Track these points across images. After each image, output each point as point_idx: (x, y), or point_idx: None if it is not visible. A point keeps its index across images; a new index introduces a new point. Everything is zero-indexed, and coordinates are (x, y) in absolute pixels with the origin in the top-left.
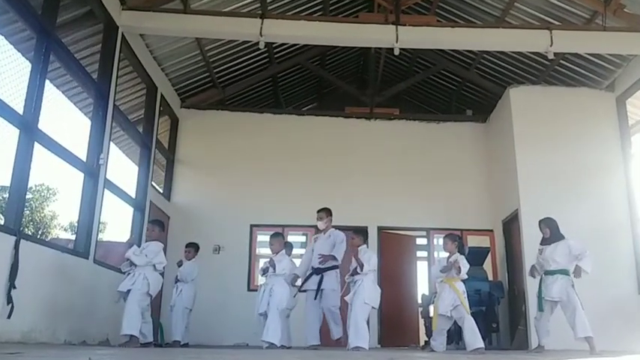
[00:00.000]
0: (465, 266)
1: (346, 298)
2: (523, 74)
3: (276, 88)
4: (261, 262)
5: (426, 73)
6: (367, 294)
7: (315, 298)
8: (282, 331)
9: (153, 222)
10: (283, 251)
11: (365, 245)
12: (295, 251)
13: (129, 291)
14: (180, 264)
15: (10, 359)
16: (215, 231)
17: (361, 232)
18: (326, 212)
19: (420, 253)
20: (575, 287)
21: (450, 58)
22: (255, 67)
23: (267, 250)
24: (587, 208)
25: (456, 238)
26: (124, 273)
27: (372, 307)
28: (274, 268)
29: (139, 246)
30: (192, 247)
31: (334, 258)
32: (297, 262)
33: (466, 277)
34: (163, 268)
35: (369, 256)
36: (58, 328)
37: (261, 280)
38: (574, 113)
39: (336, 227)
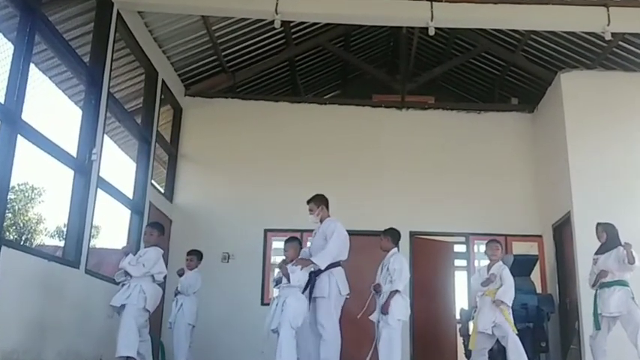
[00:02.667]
0: (507, 277)
1: (372, 317)
2: (576, 57)
3: (294, 74)
4: (276, 272)
5: (464, 57)
6: (397, 308)
7: (307, 309)
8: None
9: (151, 225)
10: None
11: (396, 249)
12: None
13: (124, 305)
14: (181, 273)
15: None
16: (224, 237)
17: (392, 233)
18: (316, 201)
19: (458, 262)
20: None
21: (493, 39)
22: (269, 49)
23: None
24: None
25: (499, 244)
26: (118, 284)
27: (403, 321)
28: (288, 279)
29: (134, 254)
30: (195, 255)
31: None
32: None
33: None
34: (163, 278)
35: (401, 266)
36: (44, 347)
37: (275, 292)
38: (634, 102)
39: (362, 233)
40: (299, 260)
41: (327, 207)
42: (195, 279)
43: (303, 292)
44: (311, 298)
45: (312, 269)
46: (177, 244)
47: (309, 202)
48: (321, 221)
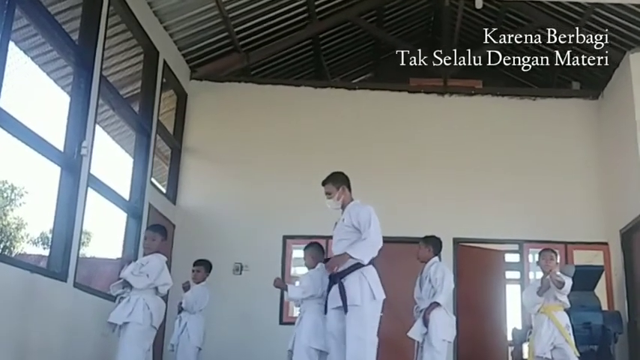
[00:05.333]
0: (567, 279)
1: (410, 334)
2: None
3: (318, 54)
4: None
5: (515, 34)
6: (442, 326)
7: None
8: None
9: (153, 228)
10: (319, 266)
11: (436, 258)
12: None
13: (125, 324)
14: (186, 287)
15: None
16: (236, 245)
17: (433, 242)
18: (334, 181)
19: (510, 274)
20: None
21: (551, 13)
22: (289, 24)
23: (304, 269)
24: None
25: (555, 254)
26: (114, 298)
27: (448, 342)
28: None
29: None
30: (203, 266)
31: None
32: None
33: (569, 305)
34: (168, 291)
35: (443, 275)
36: None
37: (296, 309)
38: None
39: (396, 240)
40: (334, 259)
41: (350, 188)
42: (202, 294)
43: (325, 301)
44: (332, 307)
45: (336, 270)
46: (181, 253)
47: (324, 183)
48: (343, 207)
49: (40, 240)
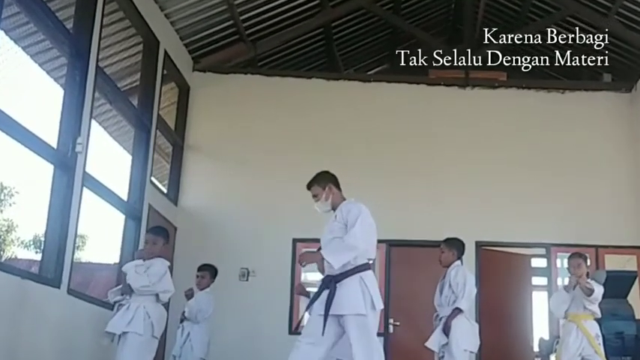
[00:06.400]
0: (597, 287)
1: (428, 344)
2: None
3: (331, 44)
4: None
5: (545, 22)
6: (463, 335)
7: (322, 333)
8: None
9: (155, 231)
10: None
11: (459, 262)
12: None
13: (124, 333)
14: (189, 294)
15: None
16: (242, 248)
17: (457, 244)
18: (319, 182)
19: (536, 280)
20: None
21: (581, 0)
22: (300, 12)
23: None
24: None
25: (584, 259)
26: (112, 306)
27: (470, 352)
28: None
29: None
30: (208, 271)
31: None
32: None
33: (599, 314)
34: (169, 298)
35: (465, 280)
36: None
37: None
38: None
39: (414, 244)
40: (306, 254)
41: (338, 186)
42: (206, 302)
43: (307, 308)
44: (327, 316)
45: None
46: (183, 257)
47: (309, 186)
48: (334, 207)
49: (31, 243)
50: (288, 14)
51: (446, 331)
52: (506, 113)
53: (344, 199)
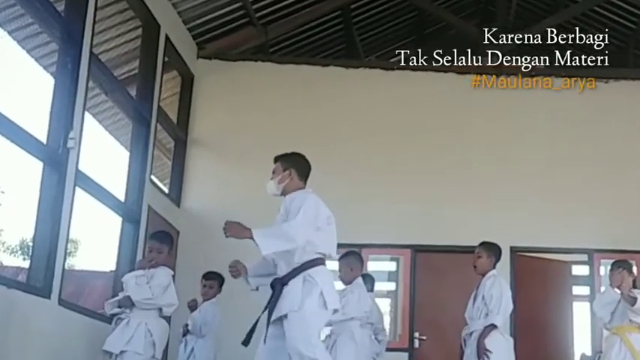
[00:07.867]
0: None
1: None
2: None
3: (350, 28)
4: None
5: (586, 4)
6: (499, 353)
7: (264, 341)
8: None
9: (159, 238)
10: (358, 281)
11: (494, 270)
12: (380, 286)
13: (122, 352)
14: (193, 306)
15: None
16: (251, 254)
17: (494, 249)
18: (285, 161)
19: (577, 289)
20: None
21: None
22: None
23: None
24: None
25: (625, 268)
26: (109, 319)
27: None
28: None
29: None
30: (216, 280)
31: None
32: (382, 302)
33: None
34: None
35: (501, 293)
36: None
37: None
38: None
39: (441, 249)
40: (231, 225)
41: (304, 177)
42: (212, 313)
43: (263, 312)
44: (270, 320)
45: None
46: (186, 264)
47: (275, 159)
48: (284, 193)
49: (18, 249)
50: None
51: (480, 352)
52: (543, 105)
53: (301, 188)
